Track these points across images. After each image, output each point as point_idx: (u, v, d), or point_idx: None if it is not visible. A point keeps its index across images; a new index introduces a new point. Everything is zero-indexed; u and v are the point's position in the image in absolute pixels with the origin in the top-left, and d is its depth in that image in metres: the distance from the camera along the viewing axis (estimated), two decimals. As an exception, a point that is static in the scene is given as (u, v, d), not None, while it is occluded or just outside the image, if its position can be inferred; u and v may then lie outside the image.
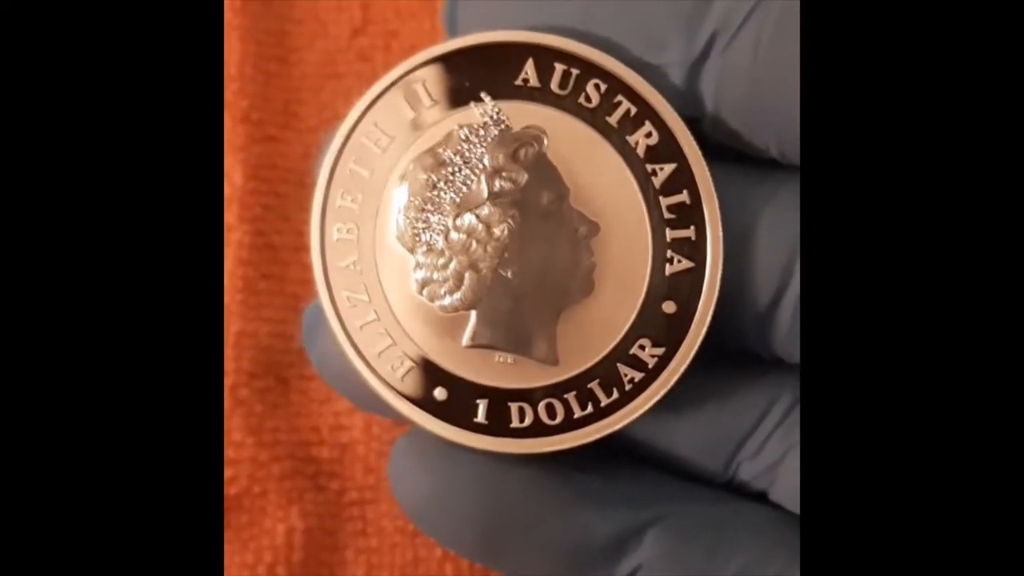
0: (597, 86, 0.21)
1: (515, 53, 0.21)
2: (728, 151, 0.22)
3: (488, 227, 0.22)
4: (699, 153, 0.21)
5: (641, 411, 0.22)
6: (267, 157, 0.29)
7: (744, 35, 0.20)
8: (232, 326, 0.28)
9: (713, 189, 0.21)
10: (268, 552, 0.27)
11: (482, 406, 0.22)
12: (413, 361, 0.22)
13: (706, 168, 0.21)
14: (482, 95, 0.22)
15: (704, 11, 0.21)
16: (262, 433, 0.28)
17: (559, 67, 0.21)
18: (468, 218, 0.22)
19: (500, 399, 0.22)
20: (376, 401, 0.22)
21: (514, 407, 0.22)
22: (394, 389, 0.22)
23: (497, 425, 0.22)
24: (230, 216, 0.28)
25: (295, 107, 0.29)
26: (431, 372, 0.22)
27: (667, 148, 0.21)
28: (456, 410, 0.22)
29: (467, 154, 0.22)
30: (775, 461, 0.22)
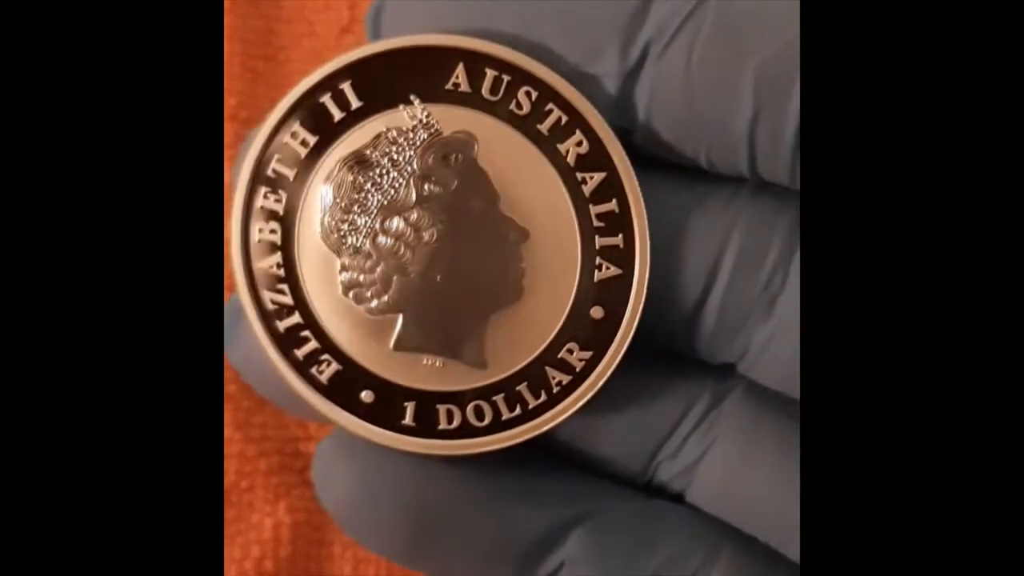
0: (528, 93, 0.22)
1: (446, 57, 0.21)
2: (658, 162, 0.22)
3: (417, 231, 0.22)
4: (628, 163, 0.21)
5: (568, 413, 0.22)
6: None
7: (677, 43, 0.21)
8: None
9: (641, 198, 0.22)
10: (256, 546, 0.27)
11: (410, 408, 0.22)
12: (339, 364, 0.22)
13: (635, 177, 0.22)
14: (411, 98, 0.22)
15: (640, 21, 0.21)
16: (250, 429, 0.28)
17: (490, 73, 0.21)
18: (396, 222, 0.22)
19: (428, 401, 0.22)
20: (301, 404, 0.22)
21: (442, 409, 0.22)
22: (319, 392, 0.22)
23: (425, 427, 0.22)
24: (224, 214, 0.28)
25: None
26: (357, 375, 0.22)
27: (597, 157, 0.22)
28: (383, 412, 0.22)
29: (395, 157, 0.22)
30: (693, 462, 0.23)
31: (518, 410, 0.22)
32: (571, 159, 0.22)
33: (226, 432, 0.27)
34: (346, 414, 0.22)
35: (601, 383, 0.22)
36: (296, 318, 0.22)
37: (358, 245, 0.22)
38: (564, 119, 0.21)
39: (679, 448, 0.23)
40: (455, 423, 0.22)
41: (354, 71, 0.22)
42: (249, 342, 0.22)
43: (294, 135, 0.22)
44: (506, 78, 0.21)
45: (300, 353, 0.22)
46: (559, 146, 0.22)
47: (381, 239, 0.22)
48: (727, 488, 0.23)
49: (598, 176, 0.22)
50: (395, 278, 0.22)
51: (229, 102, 0.28)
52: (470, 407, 0.22)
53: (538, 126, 0.22)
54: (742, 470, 0.22)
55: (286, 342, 0.22)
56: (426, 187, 0.22)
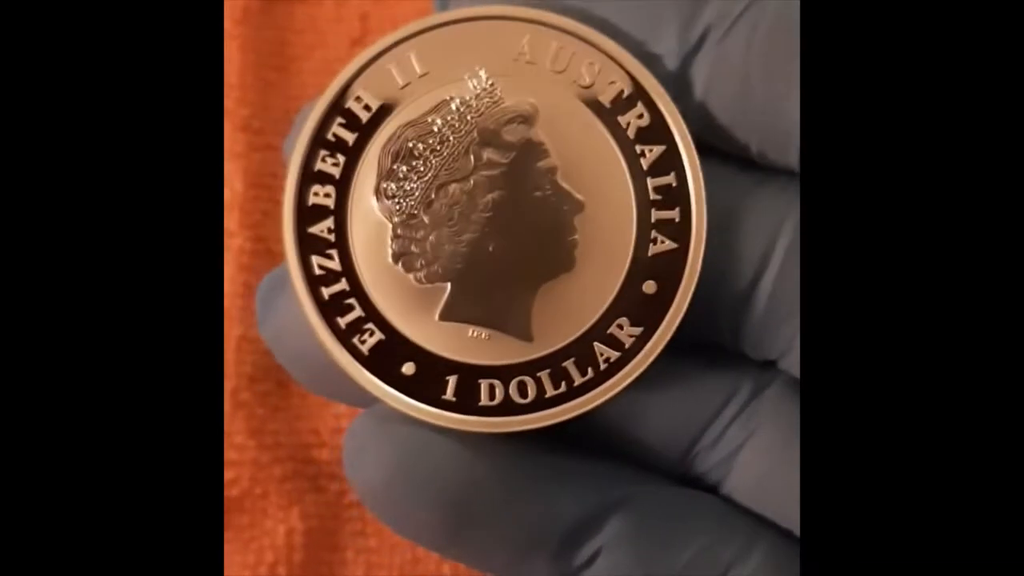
0: (592, 65, 0.22)
1: (513, 27, 0.22)
2: (711, 149, 0.22)
3: (472, 199, 0.21)
4: (689, 137, 0.21)
5: (613, 392, 0.21)
6: (267, 164, 0.29)
7: (737, 31, 0.21)
8: (233, 331, 0.28)
9: (700, 173, 0.21)
10: (269, 552, 0.27)
11: (451, 382, 0.21)
12: (382, 333, 0.21)
13: (695, 152, 0.21)
14: (476, 67, 0.22)
15: (701, 4, 0.21)
16: (263, 436, 0.28)
17: (555, 44, 0.22)
18: (452, 188, 0.21)
19: (471, 375, 0.21)
20: (336, 381, 0.22)
21: (484, 384, 0.21)
22: (359, 363, 0.21)
23: (465, 402, 0.21)
24: (231, 222, 0.28)
25: (294, 115, 0.29)
26: (400, 346, 0.21)
27: (657, 130, 0.21)
28: (424, 386, 0.21)
29: (456, 124, 0.22)
30: (732, 451, 0.22)
31: (563, 387, 0.21)
32: (631, 131, 0.21)
33: (240, 439, 0.27)
34: (385, 387, 0.21)
35: (650, 361, 0.21)
36: (342, 284, 0.21)
37: (412, 211, 0.21)
38: (626, 91, 0.21)
39: (719, 436, 0.22)
40: (497, 399, 0.21)
41: (421, 39, 0.22)
42: (285, 316, 0.22)
43: (358, 99, 0.22)
44: (571, 50, 0.22)
45: (343, 321, 0.21)
46: (620, 118, 0.21)
47: (436, 206, 0.21)
48: (765, 478, 0.22)
49: (657, 149, 0.21)
50: (446, 246, 0.21)
51: (241, 112, 0.29)
52: (513, 383, 0.21)
53: (600, 98, 0.22)
54: (781, 461, 0.22)
55: (330, 309, 0.21)
56: (484, 155, 0.21)
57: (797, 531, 0.22)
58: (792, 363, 0.22)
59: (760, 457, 0.22)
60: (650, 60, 0.21)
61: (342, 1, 0.31)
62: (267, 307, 0.23)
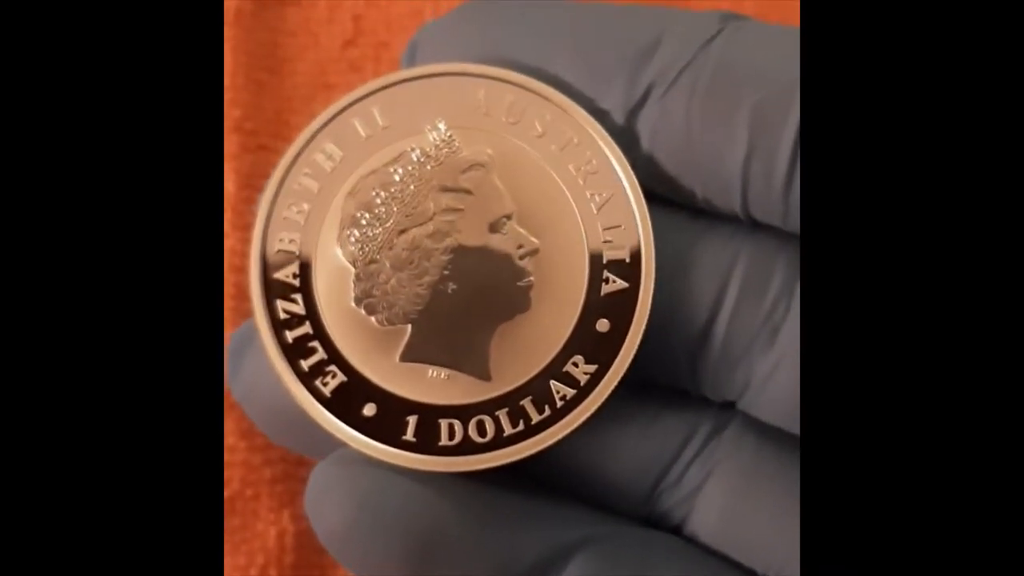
0: (543, 116, 0.23)
1: (470, 83, 0.23)
2: (661, 199, 0.23)
3: (432, 243, 0.22)
4: (635, 181, 0.22)
5: (570, 429, 0.21)
6: (260, 166, 0.29)
7: (678, 87, 0.22)
8: (225, 331, 0.27)
9: (648, 215, 0.22)
10: (260, 554, 0.27)
11: (412, 423, 0.22)
12: (344, 375, 0.22)
13: (642, 195, 0.22)
14: (436, 120, 0.23)
15: (645, 61, 0.22)
16: (254, 437, 0.28)
17: (510, 97, 0.23)
18: (413, 233, 0.22)
19: (430, 416, 0.22)
20: (299, 429, 0.22)
21: (444, 424, 0.22)
22: (322, 405, 0.22)
23: (425, 443, 0.22)
24: (224, 223, 0.29)
25: (287, 116, 0.30)
26: (362, 387, 0.22)
27: (606, 175, 0.22)
28: (384, 427, 0.22)
29: (416, 173, 0.23)
30: (692, 491, 0.22)
31: (521, 425, 0.21)
32: (581, 178, 0.22)
33: (231, 441, 0.27)
34: (347, 428, 0.22)
35: (605, 397, 0.21)
36: (306, 328, 0.22)
37: (374, 256, 0.22)
38: (576, 140, 0.22)
39: (680, 477, 0.22)
40: (456, 439, 0.21)
41: (383, 94, 0.23)
42: (253, 372, 0.23)
43: (323, 151, 0.23)
44: (524, 102, 0.23)
45: (306, 364, 0.22)
46: (570, 165, 0.22)
47: (396, 251, 0.22)
48: (727, 517, 0.22)
49: (606, 193, 0.22)
50: (407, 289, 0.22)
51: (233, 114, 0.29)
52: (472, 422, 0.22)
53: (552, 146, 0.23)
54: (743, 499, 0.22)
55: (294, 352, 0.22)
56: (443, 201, 0.22)
57: (759, 570, 0.22)
58: (749, 403, 0.23)
59: (722, 494, 0.22)
60: (599, 115, 0.23)
61: (335, 3, 0.31)
62: (236, 365, 0.23)
